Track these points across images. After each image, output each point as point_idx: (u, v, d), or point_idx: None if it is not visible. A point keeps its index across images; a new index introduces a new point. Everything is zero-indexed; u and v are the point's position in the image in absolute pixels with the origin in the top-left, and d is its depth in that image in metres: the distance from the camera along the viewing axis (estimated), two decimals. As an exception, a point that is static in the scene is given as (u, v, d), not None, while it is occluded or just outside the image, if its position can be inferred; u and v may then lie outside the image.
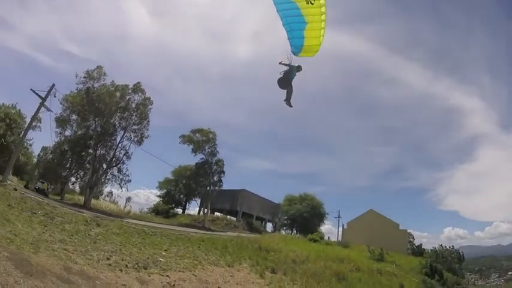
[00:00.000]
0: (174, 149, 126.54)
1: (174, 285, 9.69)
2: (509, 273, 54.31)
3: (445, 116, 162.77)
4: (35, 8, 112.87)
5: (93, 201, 34.86)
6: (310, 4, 6.53)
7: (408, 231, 51.22)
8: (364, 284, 16.68)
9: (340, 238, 47.80)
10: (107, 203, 46.09)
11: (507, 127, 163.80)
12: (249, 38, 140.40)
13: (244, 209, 52.71)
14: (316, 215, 52.44)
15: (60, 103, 33.26)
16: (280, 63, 7.83)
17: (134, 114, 34.94)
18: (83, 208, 26.46)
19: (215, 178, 43.05)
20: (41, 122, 35.59)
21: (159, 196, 54.45)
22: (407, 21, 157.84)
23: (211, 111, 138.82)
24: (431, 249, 33.96)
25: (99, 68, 34.66)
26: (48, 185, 34.25)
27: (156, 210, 48.12)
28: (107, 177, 36.06)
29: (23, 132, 33.39)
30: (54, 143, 36.33)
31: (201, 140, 42.20)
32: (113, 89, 34.36)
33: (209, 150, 42.60)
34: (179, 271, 11.41)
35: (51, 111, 29.21)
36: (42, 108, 27.53)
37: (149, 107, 35.80)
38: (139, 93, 35.42)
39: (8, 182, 24.82)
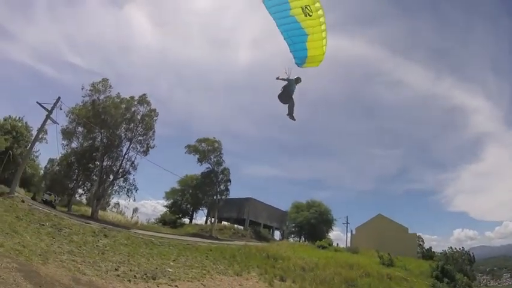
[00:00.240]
0: (180, 158, 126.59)
1: (183, 295, 9.62)
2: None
3: (449, 116, 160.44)
4: (38, 19, 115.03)
5: (100, 212, 35.05)
6: (308, 16, 6.58)
7: (418, 234, 50.48)
8: (375, 290, 16.36)
9: (348, 244, 47.24)
10: (114, 214, 46.35)
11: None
12: (251, 45, 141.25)
13: (251, 217, 52.37)
14: (324, 222, 51.80)
15: (66, 115, 33.68)
16: (277, 78, 7.64)
17: (140, 125, 35.25)
18: (90, 219, 26.58)
19: (221, 187, 43.04)
20: (47, 134, 36.22)
21: (166, 206, 54.48)
22: (408, 21, 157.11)
23: (214, 119, 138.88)
24: (441, 252, 33.36)
25: (105, 80, 35.23)
26: (55, 196, 34.44)
27: (163, 221, 48.19)
28: (114, 188, 36.31)
29: (29, 144, 33.82)
30: (60, 155, 36.98)
31: (206, 149, 42.21)
32: (118, 100, 34.71)
33: (215, 159, 42.62)
34: (188, 281, 11.32)
35: (57, 123, 29.62)
36: (49, 121, 27.91)
37: (155, 118, 36.19)
38: (145, 105, 35.83)
39: (16, 194, 25.04)
